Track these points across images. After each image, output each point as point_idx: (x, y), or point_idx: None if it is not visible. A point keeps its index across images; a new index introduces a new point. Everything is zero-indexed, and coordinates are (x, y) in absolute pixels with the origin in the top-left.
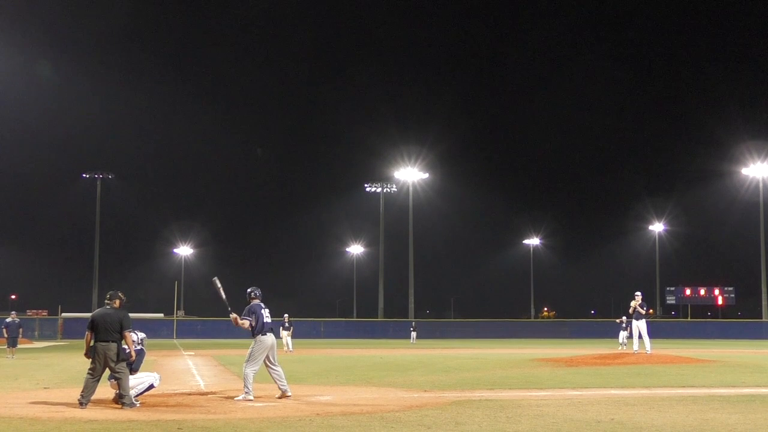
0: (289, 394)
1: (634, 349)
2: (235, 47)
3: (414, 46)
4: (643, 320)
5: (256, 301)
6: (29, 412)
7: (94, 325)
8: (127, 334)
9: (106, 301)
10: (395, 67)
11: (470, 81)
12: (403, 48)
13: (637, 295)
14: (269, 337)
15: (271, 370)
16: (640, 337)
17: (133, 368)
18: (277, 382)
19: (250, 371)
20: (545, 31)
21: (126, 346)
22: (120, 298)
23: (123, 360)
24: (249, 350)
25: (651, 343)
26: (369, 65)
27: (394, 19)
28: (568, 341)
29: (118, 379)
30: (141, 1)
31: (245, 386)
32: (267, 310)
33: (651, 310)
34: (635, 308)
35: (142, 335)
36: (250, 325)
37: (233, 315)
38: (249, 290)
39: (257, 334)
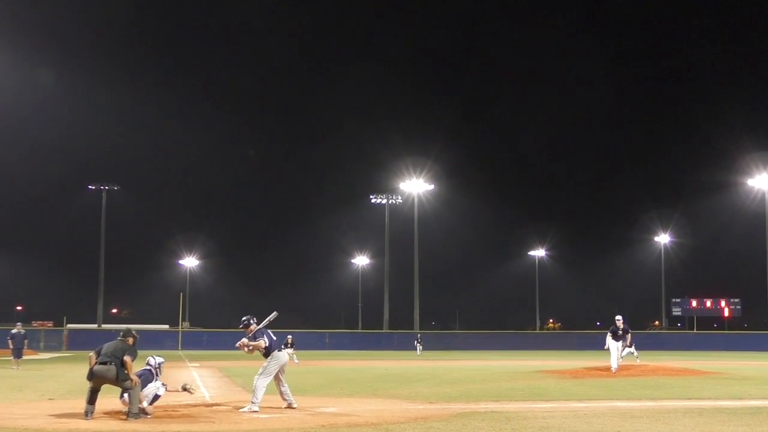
0: (295, 405)
1: (636, 360)
2: (241, 59)
3: (419, 57)
4: (620, 342)
5: (254, 327)
6: (34, 424)
7: (100, 350)
8: (127, 359)
9: (119, 338)
10: (400, 78)
11: (475, 92)
12: (408, 59)
13: (617, 320)
14: (284, 354)
15: (280, 385)
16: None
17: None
18: (284, 396)
19: (261, 383)
20: (551, 42)
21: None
22: (134, 336)
23: (124, 380)
24: (264, 365)
25: (621, 360)
26: (374, 76)
27: (399, 29)
28: (574, 353)
29: (127, 391)
30: (144, 13)
31: (254, 397)
32: (270, 331)
33: (628, 339)
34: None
35: (160, 360)
36: (265, 345)
37: (244, 340)
38: (244, 319)
39: (273, 351)
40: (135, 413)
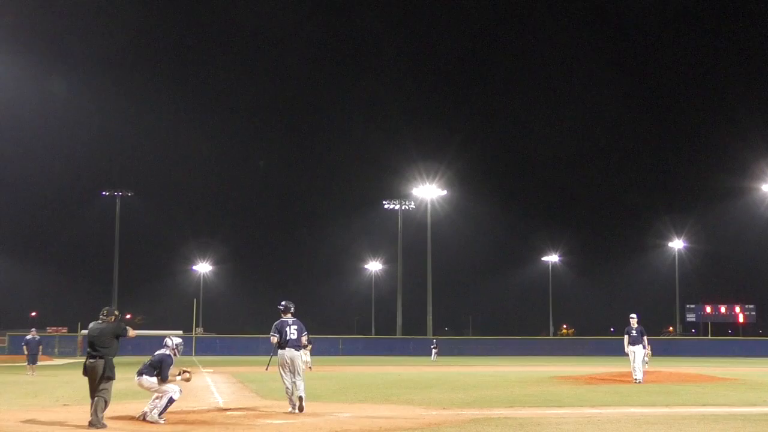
0: (294, 411)
1: (645, 366)
2: (253, 63)
3: (432, 63)
4: (639, 346)
5: (287, 316)
6: (49, 430)
7: (88, 341)
8: (129, 334)
9: (101, 317)
10: (413, 83)
11: (488, 98)
12: (421, 65)
13: (632, 318)
14: (287, 351)
15: (293, 385)
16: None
17: (162, 377)
18: (291, 393)
19: (284, 384)
20: (564, 49)
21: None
22: (115, 315)
23: (109, 378)
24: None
25: (644, 368)
26: (387, 82)
27: (412, 36)
28: (587, 359)
29: (98, 398)
30: (156, 24)
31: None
32: (295, 326)
33: (646, 341)
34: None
35: (177, 341)
36: (276, 340)
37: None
38: (280, 306)
39: (278, 349)
40: (98, 422)
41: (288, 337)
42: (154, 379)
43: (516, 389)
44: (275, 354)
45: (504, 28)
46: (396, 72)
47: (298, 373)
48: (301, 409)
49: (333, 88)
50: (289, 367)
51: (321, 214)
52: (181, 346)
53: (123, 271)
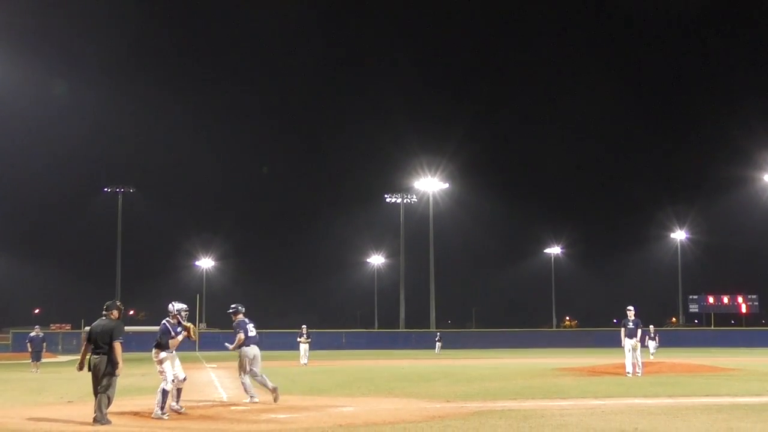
0: (256, 400)
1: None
2: (254, 61)
3: (434, 57)
4: (635, 339)
5: (241, 317)
6: (54, 427)
7: (90, 338)
8: (116, 344)
9: (103, 312)
10: (415, 77)
11: (490, 91)
12: (423, 58)
13: (629, 310)
14: (251, 349)
15: (255, 378)
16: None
17: (164, 343)
18: (264, 384)
19: (245, 379)
20: (564, 41)
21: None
22: (118, 308)
23: (111, 374)
24: (238, 362)
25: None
26: (389, 76)
27: (415, 29)
28: (591, 350)
29: (101, 395)
30: (161, 27)
31: (247, 393)
32: (251, 324)
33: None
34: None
35: (179, 306)
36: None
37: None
38: (231, 309)
39: (241, 347)
40: (102, 418)
41: (249, 335)
42: (158, 351)
43: (519, 381)
44: (247, 346)
45: (503, 25)
46: (398, 66)
47: (259, 372)
48: (276, 399)
49: (335, 83)
50: (255, 362)
51: (323, 208)
52: (184, 312)
53: (126, 267)
